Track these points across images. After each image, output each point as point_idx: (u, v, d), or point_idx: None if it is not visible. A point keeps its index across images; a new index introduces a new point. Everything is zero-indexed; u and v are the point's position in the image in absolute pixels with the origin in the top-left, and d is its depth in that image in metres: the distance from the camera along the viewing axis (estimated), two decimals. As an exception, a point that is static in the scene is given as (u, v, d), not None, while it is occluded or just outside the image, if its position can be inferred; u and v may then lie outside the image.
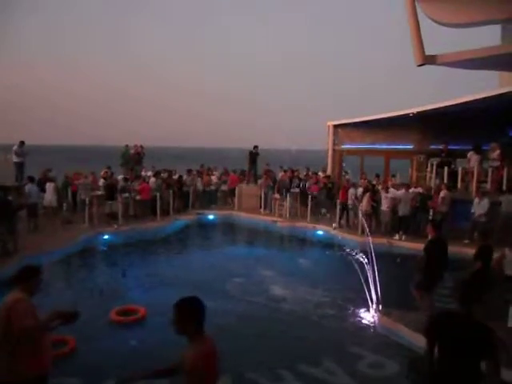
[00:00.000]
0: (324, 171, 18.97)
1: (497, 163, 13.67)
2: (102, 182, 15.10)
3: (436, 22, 6.68)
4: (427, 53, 6.55)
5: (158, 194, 14.80)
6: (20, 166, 15.11)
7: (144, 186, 14.81)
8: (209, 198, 17.80)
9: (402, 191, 13.02)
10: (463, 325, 3.10)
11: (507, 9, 6.25)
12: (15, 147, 15.15)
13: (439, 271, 6.76)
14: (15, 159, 15.09)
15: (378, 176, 16.65)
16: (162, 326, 7.10)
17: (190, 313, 2.68)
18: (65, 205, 13.44)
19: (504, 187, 12.83)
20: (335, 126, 19.80)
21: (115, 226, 13.05)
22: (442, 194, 12.47)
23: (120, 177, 15.75)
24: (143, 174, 17.34)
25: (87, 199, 13.26)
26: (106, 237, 12.62)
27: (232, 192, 18.00)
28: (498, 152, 13.66)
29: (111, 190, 14.19)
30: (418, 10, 6.75)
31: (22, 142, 15.26)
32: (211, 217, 16.72)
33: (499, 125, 15.69)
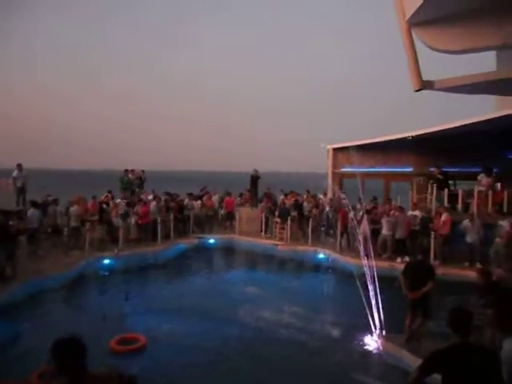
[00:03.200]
0: (325, 194, 19.00)
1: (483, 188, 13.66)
2: (123, 203, 15.20)
3: (432, 48, 6.83)
4: (425, 78, 6.68)
5: (158, 218, 14.78)
6: (20, 191, 15.11)
7: (145, 210, 14.82)
8: (209, 222, 17.80)
9: (396, 214, 13.06)
10: (471, 354, 3.02)
11: (502, 35, 6.40)
12: (14, 173, 15.13)
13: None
14: (17, 185, 15.09)
15: (375, 199, 16.58)
16: (162, 355, 7.03)
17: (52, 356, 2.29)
18: (65, 229, 13.39)
19: (505, 209, 12.83)
20: (335, 150, 19.95)
21: (115, 251, 12.98)
22: (444, 217, 12.45)
23: (119, 201, 15.70)
24: (144, 197, 17.36)
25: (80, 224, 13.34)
26: (106, 261, 12.54)
27: (229, 216, 17.98)
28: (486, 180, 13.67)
29: (103, 215, 14.15)
30: (415, 37, 6.91)
31: (20, 166, 15.22)
32: (212, 241, 16.65)
33: (498, 147, 15.83)
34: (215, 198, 19.12)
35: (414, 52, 6.61)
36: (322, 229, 15.85)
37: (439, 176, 14.67)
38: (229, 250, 16.23)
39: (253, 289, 11.07)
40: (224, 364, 6.80)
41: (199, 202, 17.72)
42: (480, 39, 6.55)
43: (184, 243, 15.65)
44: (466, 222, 12.06)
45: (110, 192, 16.55)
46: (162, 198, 16.68)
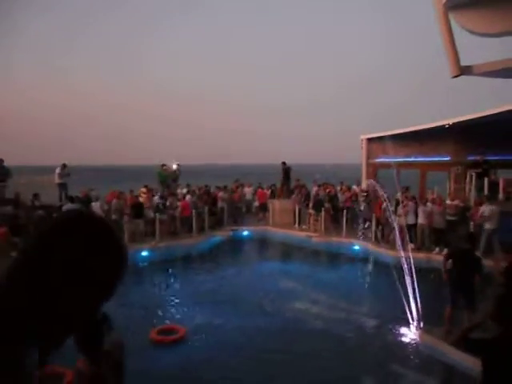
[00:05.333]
0: (358, 185, 18.75)
1: None
2: (156, 197, 15.50)
3: (470, 31, 6.59)
4: (462, 63, 6.46)
5: (194, 211, 15.05)
6: (63, 187, 15.79)
7: (185, 203, 15.13)
8: (242, 214, 18.00)
9: (432, 204, 12.78)
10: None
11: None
12: (58, 169, 15.87)
13: (460, 284, 6.69)
14: (58, 180, 15.79)
15: (407, 189, 16.01)
16: (201, 346, 7.21)
17: None
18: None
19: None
20: (369, 140, 19.60)
21: (153, 243, 13.33)
22: (483, 208, 11.98)
23: (155, 196, 16.03)
24: (179, 191, 17.71)
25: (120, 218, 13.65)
26: (144, 253, 12.92)
27: (262, 207, 18.12)
28: None
29: (138, 209, 14.46)
30: (452, 20, 6.68)
31: (64, 165, 15.99)
32: (246, 233, 16.81)
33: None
34: (249, 190, 19.30)
35: (452, 37, 6.41)
36: (359, 221, 15.64)
37: (484, 165, 14.17)
38: (263, 242, 16.34)
39: (288, 281, 11.12)
40: (261, 357, 6.90)
41: (232, 194, 17.93)
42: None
43: (219, 235, 15.87)
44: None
45: (146, 186, 16.97)
46: (197, 192, 16.97)
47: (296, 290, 10.35)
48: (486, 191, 13.41)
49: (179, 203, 15.15)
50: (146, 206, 14.64)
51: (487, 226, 11.45)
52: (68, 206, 12.78)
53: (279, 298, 9.66)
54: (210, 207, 16.22)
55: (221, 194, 17.40)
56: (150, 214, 14.42)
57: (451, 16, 6.62)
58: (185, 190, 17.60)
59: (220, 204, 17.01)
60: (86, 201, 14.08)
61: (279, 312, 8.78)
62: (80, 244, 0.87)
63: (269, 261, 14.09)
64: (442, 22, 6.32)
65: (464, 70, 6.20)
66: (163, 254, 13.05)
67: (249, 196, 19.27)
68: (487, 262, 9.97)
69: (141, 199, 15.19)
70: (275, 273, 12.15)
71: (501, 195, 13.72)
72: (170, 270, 12.18)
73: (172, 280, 11.38)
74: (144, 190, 16.51)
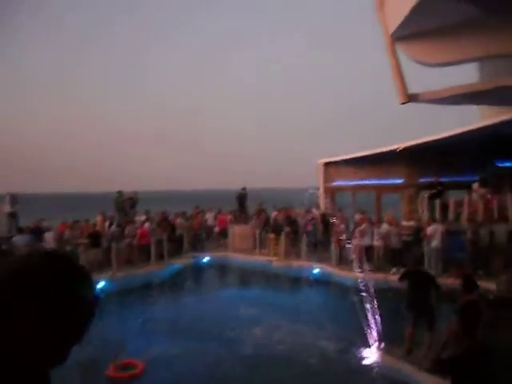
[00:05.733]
0: (317, 208, 19.06)
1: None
2: (113, 226, 15.00)
3: (416, 61, 7.02)
4: (410, 91, 6.84)
5: (153, 239, 14.70)
6: (13, 217, 15.00)
7: (143, 231, 14.77)
8: (202, 241, 17.78)
9: (388, 226, 13.19)
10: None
11: (483, 48, 6.61)
12: (7, 197, 15.10)
13: (416, 304, 6.86)
14: (7, 210, 15.00)
15: (363, 212, 16.39)
16: (161, 379, 6.92)
17: None
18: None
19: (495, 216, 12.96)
20: (326, 164, 20.11)
21: (110, 273, 12.83)
22: (431, 228, 12.44)
23: (113, 224, 15.57)
24: (137, 218, 17.29)
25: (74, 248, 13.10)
26: (101, 284, 12.39)
27: (223, 233, 17.99)
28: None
29: (95, 239, 13.99)
30: (400, 51, 7.10)
31: (12, 194, 15.23)
32: (206, 259, 16.56)
33: (486, 155, 16.03)
34: (210, 216, 19.13)
35: (399, 66, 6.79)
36: (317, 244, 15.83)
37: (438, 187, 14.80)
38: (223, 268, 16.14)
39: (249, 307, 10.97)
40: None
41: (191, 221, 17.72)
42: (462, 51, 6.75)
43: (178, 263, 15.54)
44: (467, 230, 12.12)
45: (102, 214, 16.45)
46: (155, 218, 16.65)
47: (257, 316, 10.22)
48: (437, 212, 14.01)
49: (137, 231, 14.76)
50: (103, 234, 14.19)
51: (432, 244, 11.93)
52: (18, 238, 12.15)
53: (240, 325, 9.49)
54: (169, 234, 15.92)
55: (179, 220, 17.14)
56: (107, 242, 13.96)
57: (398, 47, 7.03)
58: (143, 217, 17.21)
59: (179, 231, 16.74)
60: (38, 231, 13.44)
61: (240, 339, 8.62)
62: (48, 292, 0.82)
63: (229, 287, 13.92)
64: (389, 52, 6.70)
65: (411, 97, 6.56)
66: (121, 284, 12.56)
67: (210, 221, 19.12)
68: (443, 280, 10.35)
69: (97, 228, 14.72)
70: (236, 299, 12.01)
71: (451, 215, 14.36)
72: (129, 301, 11.73)
73: (131, 311, 10.94)
74: (100, 218, 16.00)
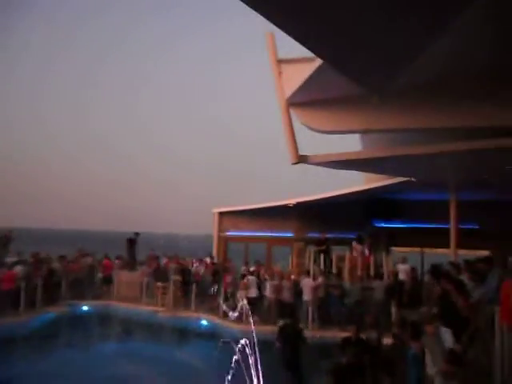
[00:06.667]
0: (211, 257, 18.92)
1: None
2: None
3: (306, 127, 7.62)
4: (302, 153, 7.34)
5: (22, 284, 13.08)
6: None
7: (9, 275, 13.07)
8: (81, 287, 16.29)
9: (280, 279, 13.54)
10: None
11: (364, 121, 7.43)
12: None
13: (286, 361, 7.00)
14: None
15: (258, 262, 16.74)
16: None
17: None
18: None
19: (372, 273, 14.12)
20: (220, 214, 20.35)
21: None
22: (303, 282, 12.97)
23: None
24: (8, 260, 15.36)
25: None
26: None
27: (107, 279, 16.78)
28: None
29: None
30: (294, 116, 7.65)
31: None
32: (85, 308, 15.16)
33: (365, 215, 17.74)
34: (89, 260, 17.61)
35: (292, 129, 7.30)
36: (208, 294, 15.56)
37: (327, 242, 15.72)
38: (105, 318, 14.78)
39: (130, 363, 10.15)
40: None
41: (71, 264, 16.26)
42: (347, 123, 7.51)
43: (53, 312, 13.98)
44: (347, 285, 12.88)
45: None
46: (29, 261, 14.97)
47: (139, 373, 9.49)
48: (322, 265, 14.83)
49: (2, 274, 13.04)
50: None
51: (304, 298, 12.49)
52: None
53: (117, 381, 8.71)
54: (44, 279, 14.33)
55: (55, 264, 15.61)
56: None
57: (292, 111, 7.59)
58: (15, 259, 15.33)
59: (55, 276, 15.17)
60: None
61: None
62: None
63: (109, 340, 12.80)
64: (284, 115, 7.20)
65: (302, 159, 7.04)
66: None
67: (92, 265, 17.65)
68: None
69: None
70: (116, 355, 11.05)
71: (334, 269, 15.30)
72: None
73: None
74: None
